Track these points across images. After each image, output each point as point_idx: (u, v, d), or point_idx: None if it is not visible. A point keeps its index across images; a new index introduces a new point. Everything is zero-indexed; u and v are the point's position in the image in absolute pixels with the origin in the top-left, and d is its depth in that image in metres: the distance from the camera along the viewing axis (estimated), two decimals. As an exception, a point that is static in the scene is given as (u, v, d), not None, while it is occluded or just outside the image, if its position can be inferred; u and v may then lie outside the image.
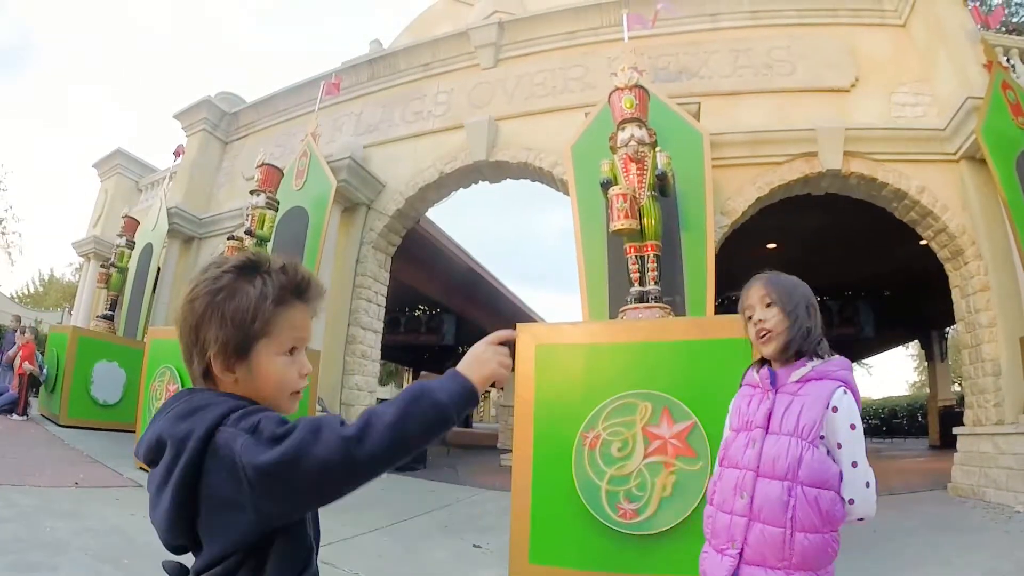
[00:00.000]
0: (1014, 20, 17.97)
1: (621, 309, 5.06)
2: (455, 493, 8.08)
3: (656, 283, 5.03)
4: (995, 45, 7.87)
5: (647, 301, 4.90)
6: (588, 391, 4.02)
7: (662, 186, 5.11)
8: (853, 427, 1.68)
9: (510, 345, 1.15)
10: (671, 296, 5.51)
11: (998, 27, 8.35)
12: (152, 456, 0.99)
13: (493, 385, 1.03)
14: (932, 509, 6.54)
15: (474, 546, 5.09)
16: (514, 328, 1.30)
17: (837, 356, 1.80)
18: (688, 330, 4.14)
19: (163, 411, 1.02)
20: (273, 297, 1.05)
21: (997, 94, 6.88)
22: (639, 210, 4.97)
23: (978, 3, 8.15)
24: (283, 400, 1.08)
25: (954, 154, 7.45)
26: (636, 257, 5.10)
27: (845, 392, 1.71)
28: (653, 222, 5.03)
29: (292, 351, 1.09)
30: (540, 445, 4.07)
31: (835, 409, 1.68)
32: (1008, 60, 7.96)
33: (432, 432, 0.96)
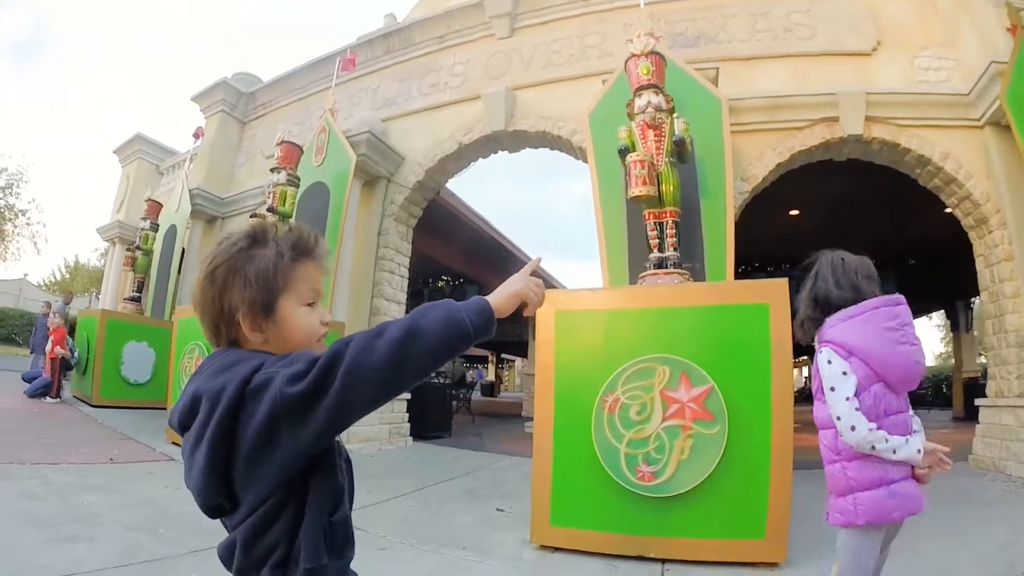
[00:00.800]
0: None
1: (640, 275, 5.09)
2: (479, 460, 8.24)
3: (675, 249, 5.04)
4: (1020, 9, 7.68)
5: (666, 267, 4.92)
6: (607, 356, 4.05)
7: (680, 152, 5.08)
8: (830, 386, 2.11)
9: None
10: (691, 262, 5.51)
11: None
12: (186, 418, 1.04)
13: (523, 312, 1.08)
14: (951, 480, 6.47)
15: (497, 510, 5.21)
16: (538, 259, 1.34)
17: (841, 312, 2.19)
18: (707, 295, 4.15)
19: (198, 373, 1.09)
20: (289, 255, 1.13)
21: (1022, 59, 6.63)
22: (657, 176, 4.97)
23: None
24: (313, 349, 1.13)
25: (978, 120, 7.28)
26: (655, 223, 5.12)
27: (822, 352, 2.15)
28: (671, 188, 5.02)
29: (311, 304, 1.17)
30: (560, 409, 4.14)
31: (819, 371, 2.15)
32: None
33: (447, 333, 0.99)
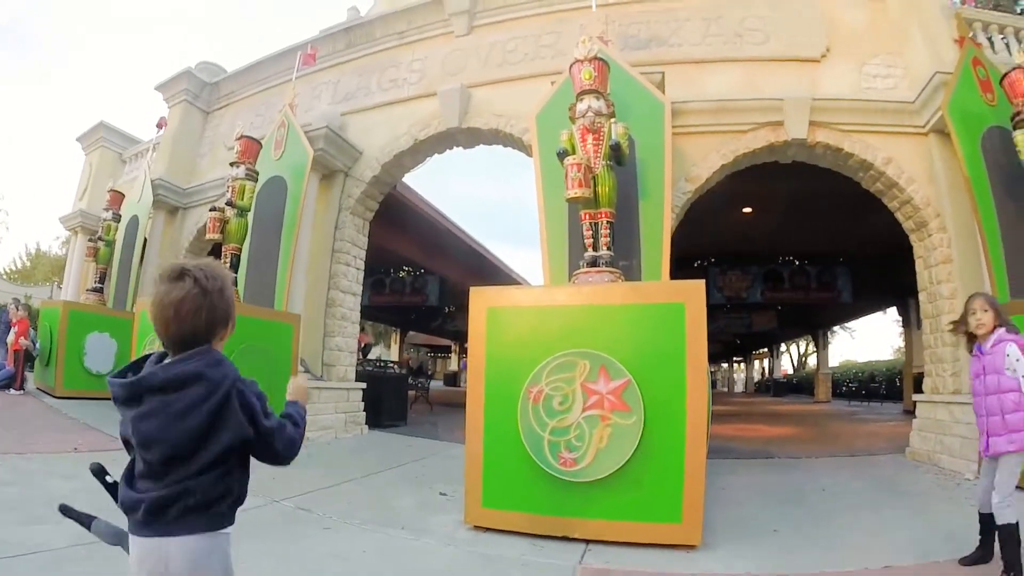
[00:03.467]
0: None
1: (574, 273, 5.32)
2: (431, 448, 8.48)
3: (608, 248, 5.26)
4: (973, 20, 7.91)
5: (598, 265, 5.14)
6: (533, 350, 4.29)
7: (617, 156, 5.28)
8: (1018, 359, 3.37)
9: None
10: (627, 260, 5.75)
11: (977, 2, 8.39)
12: (170, 385, 1.45)
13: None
14: (885, 472, 6.80)
15: (440, 494, 5.45)
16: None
17: (1001, 329, 3.51)
18: (627, 295, 4.40)
19: (189, 358, 1.49)
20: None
21: (967, 70, 6.90)
22: (593, 179, 5.17)
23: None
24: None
25: (923, 127, 7.54)
26: (590, 224, 5.33)
27: (1010, 344, 3.42)
28: (607, 190, 5.23)
29: None
30: (491, 399, 4.38)
31: (1008, 355, 3.41)
32: (989, 37, 8.01)
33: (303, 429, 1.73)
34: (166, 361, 1.53)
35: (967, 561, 3.56)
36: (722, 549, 4.01)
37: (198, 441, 1.45)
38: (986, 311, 3.55)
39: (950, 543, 3.99)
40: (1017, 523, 3.27)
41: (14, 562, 3.11)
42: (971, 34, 7.68)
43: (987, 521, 3.48)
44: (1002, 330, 3.50)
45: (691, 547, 3.95)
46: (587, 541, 4.06)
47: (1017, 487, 3.38)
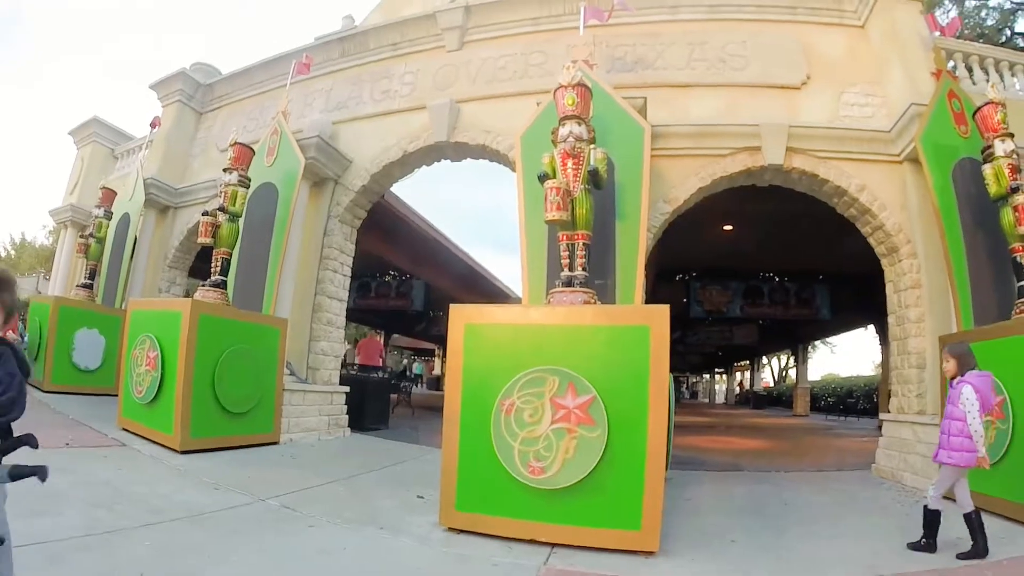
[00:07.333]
0: (987, 23, 18.30)
1: (550, 291, 5.55)
2: (412, 451, 8.69)
3: (584, 269, 5.49)
4: (954, 51, 8.18)
5: (573, 285, 5.37)
6: (507, 365, 4.55)
7: (595, 180, 5.53)
8: (967, 399, 4.29)
9: None
10: (603, 279, 6.01)
11: (956, 34, 8.65)
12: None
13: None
14: (849, 487, 7.00)
15: (418, 497, 5.69)
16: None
17: (969, 372, 4.49)
18: (597, 316, 4.66)
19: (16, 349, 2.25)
20: None
21: (942, 102, 7.13)
22: (572, 202, 5.39)
23: (936, 10, 8.44)
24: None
25: (898, 156, 7.77)
26: (567, 245, 5.55)
27: (965, 386, 4.36)
28: (584, 212, 5.45)
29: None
30: (466, 409, 4.64)
31: (962, 393, 4.35)
32: (968, 67, 8.27)
33: None
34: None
35: (913, 546, 4.46)
36: (679, 556, 4.25)
37: None
38: (948, 361, 4.63)
39: (899, 557, 4.26)
40: (937, 510, 4.41)
41: (20, 552, 3.31)
42: (950, 65, 7.95)
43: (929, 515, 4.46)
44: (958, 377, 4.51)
45: (649, 553, 4.19)
46: (553, 545, 4.31)
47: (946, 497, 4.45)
